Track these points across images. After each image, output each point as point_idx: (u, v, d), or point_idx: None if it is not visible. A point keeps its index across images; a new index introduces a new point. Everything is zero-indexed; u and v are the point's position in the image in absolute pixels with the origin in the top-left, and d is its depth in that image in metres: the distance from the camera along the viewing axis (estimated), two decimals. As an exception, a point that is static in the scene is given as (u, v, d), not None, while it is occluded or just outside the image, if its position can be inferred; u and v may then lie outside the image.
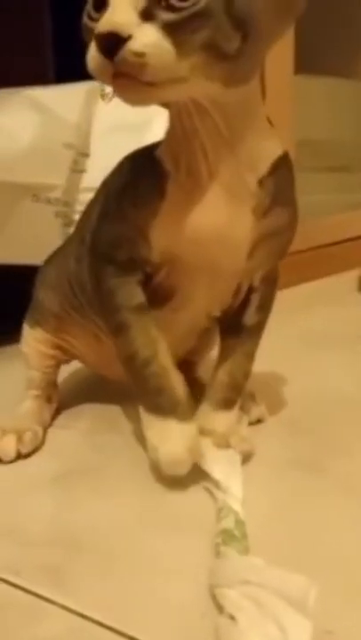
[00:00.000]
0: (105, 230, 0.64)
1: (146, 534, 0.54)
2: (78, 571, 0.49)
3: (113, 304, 0.62)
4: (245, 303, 0.65)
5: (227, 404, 0.67)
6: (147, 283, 0.62)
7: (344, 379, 0.87)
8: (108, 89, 0.95)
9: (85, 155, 0.93)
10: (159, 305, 0.63)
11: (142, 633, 0.43)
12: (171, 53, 0.48)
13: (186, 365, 0.79)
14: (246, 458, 0.63)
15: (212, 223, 0.58)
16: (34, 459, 0.67)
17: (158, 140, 0.61)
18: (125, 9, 0.47)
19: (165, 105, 0.58)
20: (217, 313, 0.66)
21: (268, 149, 0.59)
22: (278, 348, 0.93)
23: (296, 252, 1.33)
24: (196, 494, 0.59)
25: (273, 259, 0.64)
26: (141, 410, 0.62)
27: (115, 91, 0.51)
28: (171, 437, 0.59)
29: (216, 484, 0.58)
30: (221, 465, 0.60)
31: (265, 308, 0.66)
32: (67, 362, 0.79)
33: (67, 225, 0.91)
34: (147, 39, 0.47)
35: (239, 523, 0.52)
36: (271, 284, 0.66)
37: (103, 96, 0.96)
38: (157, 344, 0.61)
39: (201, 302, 0.64)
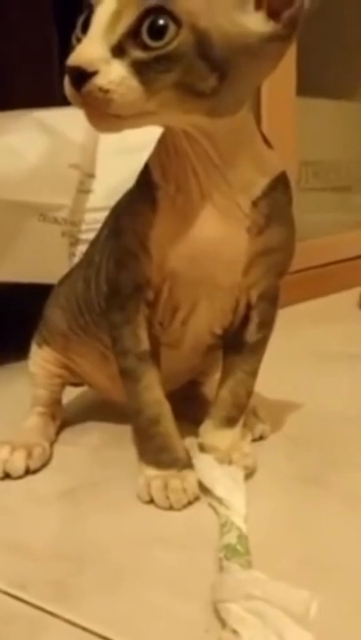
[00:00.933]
0: (112, 249, 0.65)
1: (150, 549, 0.54)
2: (83, 585, 0.50)
3: (121, 347, 0.64)
4: (246, 320, 0.66)
5: (230, 422, 0.67)
6: (154, 304, 0.63)
7: (346, 395, 0.88)
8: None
9: (91, 175, 0.94)
10: (169, 320, 0.64)
11: (147, 646, 0.43)
12: (137, 91, 0.48)
13: (192, 385, 0.80)
14: (249, 473, 0.64)
15: (206, 239, 0.59)
16: (40, 474, 0.67)
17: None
18: (97, 43, 0.48)
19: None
20: (219, 330, 0.66)
21: (263, 172, 0.59)
22: (281, 364, 0.93)
23: (299, 270, 1.34)
24: (199, 510, 0.60)
25: (270, 276, 0.64)
26: (140, 460, 0.64)
27: (85, 117, 0.51)
28: (170, 480, 0.61)
29: (219, 500, 0.58)
30: (224, 481, 0.60)
31: (266, 325, 0.67)
32: (75, 385, 0.80)
33: (73, 244, 0.92)
34: (112, 76, 0.47)
35: (242, 538, 0.53)
36: (271, 302, 0.66)
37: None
38: (163, 405, 0.64)
39: (203, 318, 0.64)
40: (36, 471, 0.67)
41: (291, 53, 0.57)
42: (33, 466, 0.67)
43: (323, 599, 0.42)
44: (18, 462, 0.66)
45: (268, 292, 0.65)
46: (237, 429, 0.68)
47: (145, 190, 0.60)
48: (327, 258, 1.50)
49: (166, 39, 0.47)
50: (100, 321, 0.68)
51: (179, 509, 0.60)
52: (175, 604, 0.47)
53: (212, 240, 0.59)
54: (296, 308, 1.33)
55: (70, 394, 0.82)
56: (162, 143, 0.59)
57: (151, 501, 0.61)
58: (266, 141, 0.60)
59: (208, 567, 0.51)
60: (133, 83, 0.48)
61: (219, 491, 0.59)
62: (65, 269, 0.79)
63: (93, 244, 0.73)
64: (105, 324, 0.66)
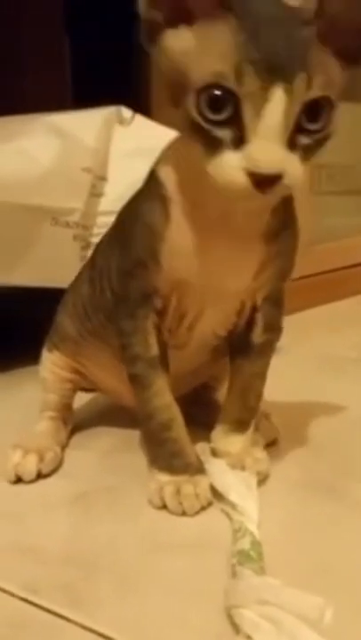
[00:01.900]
0: (120, 258, 0.64)
1: (163, 554, 0.54)
2: (96, 590, 0.50)
3: (130, 354, 0.64)
4: (251, 323, 0.65)
5: (240, 426, 0.67)
6: (163, 312, 0.63)
7: (360, 401, 0.87)
8: (126, 114, 0.97)
9: (103, 179, 0.94)
10: (176, 326, 0.64)
11: (159, 652, 0.43)
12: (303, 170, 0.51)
13: (205, 390, 0.79)
14: (262, 479, 0.64)
15: (222, 250, 0.59)
16: (52, 478, 0.67)
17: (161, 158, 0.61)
18: (278, 145, 0.49)
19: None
20: (223, 332, 0.66)
21: None
22: (294, 369, 0.93)
23: (313, 274, 1.34)
24: (212, 516, 0.59)
25: (277, 279, 0.63)
26: (151, 465, 0.64)
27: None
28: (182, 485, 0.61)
29: (232, 505, 0.58)
30: (237, 486, 0.60)
31: (272, 327, 0.66)
32: (86, 390, 0.80)
33: (84, 248, 0.92)
34: (297, 172, 0.50)
35: (255, 544, 0.52)
36: (276, 304, 0.65)
37: (121, 121, 0.97)
38: (173, 410, 0.64)
39: (208, 322, 0.64)
40: (47, 475, 0.67)
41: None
42: (45, 470, 0.67)
43: (337, 605, 0.41)
44: (30, 466, 0.66)
45: (273, 295, 0.64)
46: (249, 434, 0.67)
47: (157, 203, 0.60)
48: (342, 261, 1.49)
49: (325, 120, 0.51)
50: (107, 324, 0.68)
51: (191, 515, 0.59)
52: (188, 609, 0.47)
53: (227, 251, 0.59)
54: (311, 313, 1.32)
55: (81, 399, 0.82)
56: (179, 161, 0.58)
57: (164, 507, 0.60)
58: None
59: (221, 573, 0.50)
60: (303, 168, 0.51)
61: (232, 496, 0.59)
62: (76, 273, 0.78)
63: (97, 246, 0.73)
64: (113, 329, 0.66)
